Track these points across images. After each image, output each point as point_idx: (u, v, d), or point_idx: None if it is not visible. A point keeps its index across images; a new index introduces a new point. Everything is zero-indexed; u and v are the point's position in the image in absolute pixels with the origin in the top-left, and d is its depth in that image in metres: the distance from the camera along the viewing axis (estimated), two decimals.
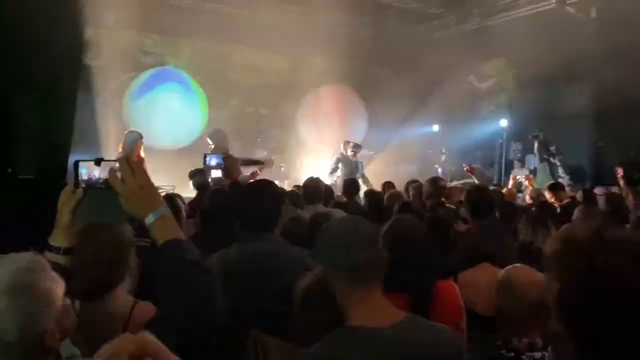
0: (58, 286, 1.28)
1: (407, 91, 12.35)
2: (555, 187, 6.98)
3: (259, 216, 2.72)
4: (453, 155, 11.93)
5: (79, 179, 1.44)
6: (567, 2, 8.71)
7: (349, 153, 9.18)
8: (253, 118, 12.48)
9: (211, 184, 5.79)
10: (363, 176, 8.92)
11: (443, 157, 11.65)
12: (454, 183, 9.33)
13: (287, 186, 8.80)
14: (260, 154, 10.66)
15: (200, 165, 6.35)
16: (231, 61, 12.11)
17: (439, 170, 11.47)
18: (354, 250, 1.68)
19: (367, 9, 11.20)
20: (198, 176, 6.13)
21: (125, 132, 7.44)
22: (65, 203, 1.48)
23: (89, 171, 1.44)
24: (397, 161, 11.66)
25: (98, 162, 1.45)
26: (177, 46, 11.52)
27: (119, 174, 1.39)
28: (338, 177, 8.99)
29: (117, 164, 1.42)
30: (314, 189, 4.72)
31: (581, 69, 9.41)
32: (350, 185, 6.16)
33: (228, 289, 2.27)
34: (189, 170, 6.77)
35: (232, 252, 2.65)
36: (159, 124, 9.89)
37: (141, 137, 7.25)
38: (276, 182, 9.33)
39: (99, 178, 1.44)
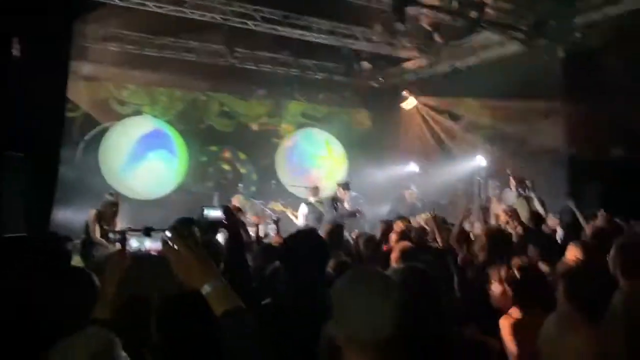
0: None
1: (385, 131, 12.60)
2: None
3: None
4: (431, 193, 12.11)
5: (127, 248, 1.42)
6: (534, 44, 9.06)
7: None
8: (232, 163, 12.49)
9: None
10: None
11: (410, 194, 11.74)
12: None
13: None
14: (237, 199, 10.60)
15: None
16: (208, 108, 12.18)
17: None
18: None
19: (340, 54, 11.48)
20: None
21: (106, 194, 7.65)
22: (112, 274, 1.45)
23: (140, 242, 1.42)
24: (375, 201, 11.74)
25: (147, 232, 1.44)
26: (154, 95, 11.55)
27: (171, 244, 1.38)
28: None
29: (167, 233, 1.41)
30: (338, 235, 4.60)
31: (552, 106, 9.75)
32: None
33: None
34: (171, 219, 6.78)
35: None
36: (139, 180, 9.97)
37: (117, 199, 7.60)
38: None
39: (149, 249, 1.42)
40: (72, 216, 8.30)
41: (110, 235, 5.31)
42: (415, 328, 2.16)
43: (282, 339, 2.38)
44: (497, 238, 4.32)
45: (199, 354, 1.66)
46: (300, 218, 8.98)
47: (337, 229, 4.58)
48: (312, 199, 9.16)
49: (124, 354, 1.26)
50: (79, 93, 10.13)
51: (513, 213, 8.06)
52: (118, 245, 4.38)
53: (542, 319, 2.78)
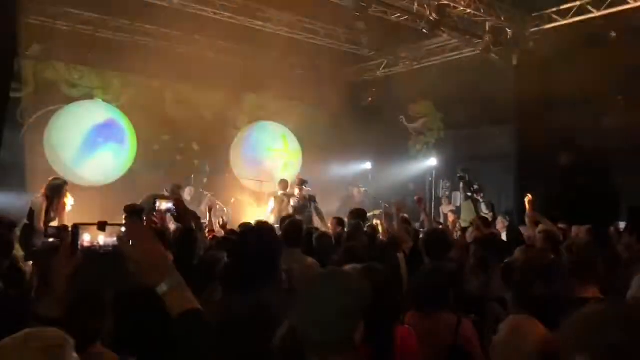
0: None
1: (341, 129, 12.62)
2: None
3: None
4: (384, 191, 12.25)
5: (79, 244, 1.34)
6: (491, 49, 9.26)
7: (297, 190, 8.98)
8: (185, 153, 12.19)
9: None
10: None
11: (358, 192, 11.91)
12: None
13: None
14: (189, 191, 10.43)
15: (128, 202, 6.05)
16: (163, 95, 11.84)
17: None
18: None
19: (302, 50, 11.43)
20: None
21: (51, 179, 7.19)
22: (61, 270, 1.37)
23: (93, 236, 1.34)
24: (327, 197, 11.76)
25: (102, 226, 1.36)
26: (106, 79, 11.14)
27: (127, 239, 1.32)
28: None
29: (123, 229, 1.34)
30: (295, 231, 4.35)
31: (503, 112, 10.01)
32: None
33: None
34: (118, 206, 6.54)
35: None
36: (88, 170, 9.69)
37: (66, 183, 7.19)
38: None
39: (104, 244, 1.35)
40: (10, 201, 7.91)
41: (52, 230, 4.98)
42: (377, 327, 2.17)
43: (232, 338, 2.35)
44: (433, 239, 4.34)
45: (153, 351, 1.60)
46: (268, 212, 8.95)
47: (295, 224, 4.46)
48: (280, 193, 9.11)
49: (75, 355, 1.18)
50: (25, 73, 9.68)
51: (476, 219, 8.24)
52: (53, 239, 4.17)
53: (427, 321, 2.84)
